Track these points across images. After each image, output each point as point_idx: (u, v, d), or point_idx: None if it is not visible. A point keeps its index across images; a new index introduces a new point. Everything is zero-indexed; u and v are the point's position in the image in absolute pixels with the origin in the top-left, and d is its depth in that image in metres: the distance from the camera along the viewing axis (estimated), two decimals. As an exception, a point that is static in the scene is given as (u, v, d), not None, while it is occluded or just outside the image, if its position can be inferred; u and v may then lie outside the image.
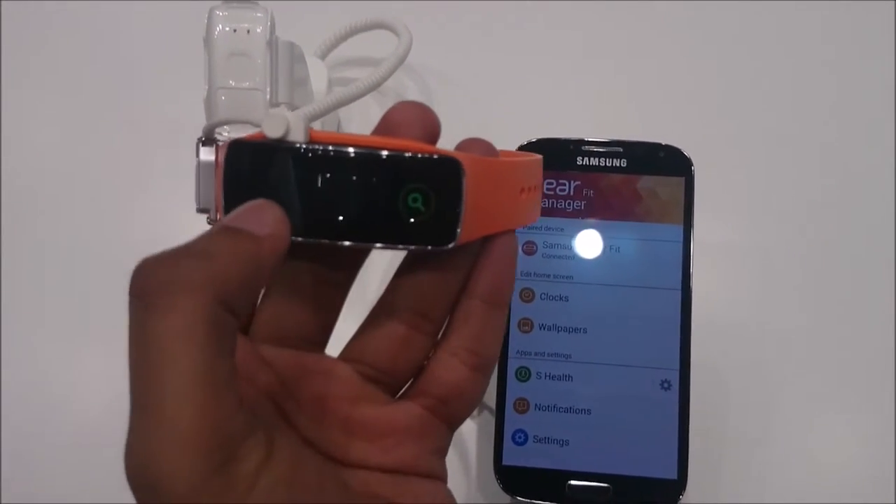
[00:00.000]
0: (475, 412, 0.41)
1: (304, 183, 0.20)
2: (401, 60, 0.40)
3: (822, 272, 0.44)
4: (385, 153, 0.20)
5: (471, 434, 0.41)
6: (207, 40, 0.34)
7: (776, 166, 0.47)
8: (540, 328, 0.36)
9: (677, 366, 0.35)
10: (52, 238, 0.46)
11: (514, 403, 0.36)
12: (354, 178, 0.20)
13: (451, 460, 0.40)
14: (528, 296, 0.37)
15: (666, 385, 0.35)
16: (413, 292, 0.23)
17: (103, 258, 0.45)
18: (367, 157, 0.20)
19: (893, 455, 0.40)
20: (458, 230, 0.21)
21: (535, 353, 0.36)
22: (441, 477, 0.24)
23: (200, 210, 0.22)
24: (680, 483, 0.34)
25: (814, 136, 0.47)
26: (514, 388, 0.36)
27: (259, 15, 0.35)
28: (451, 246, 0.21)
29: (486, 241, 0.23)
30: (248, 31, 0.35)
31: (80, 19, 0.51)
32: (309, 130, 0.21)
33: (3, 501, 0.40)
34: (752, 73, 0.49)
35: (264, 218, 0.20)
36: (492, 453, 0.35)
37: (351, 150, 0.20)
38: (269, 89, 0.35)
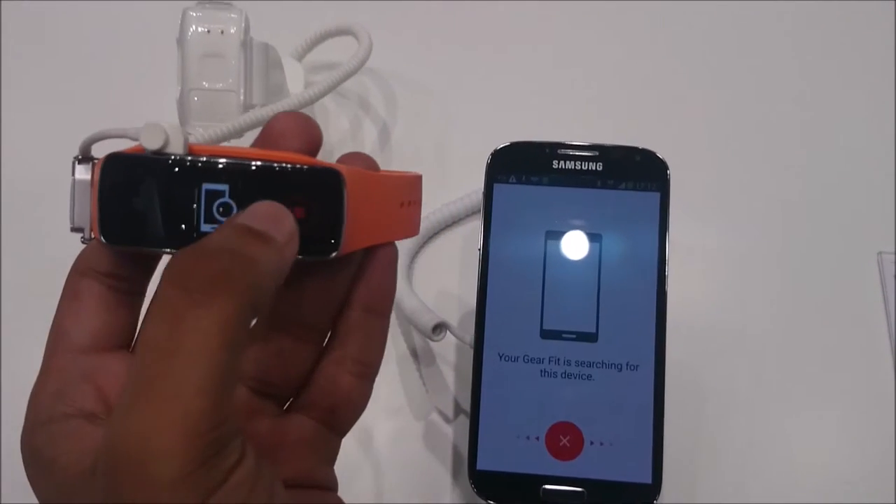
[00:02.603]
0: (451, 416, 0.41)
1: (180, 195, 0.20)
2: (358, 66, 0.40)
3: (798, 274, 0.44)
4: (265, 164, 0.20)
5: (446, 438, 0.40)
6: (181, 41, 0.34)
7: (751, 169, 0.47)
8: (514, 332, 0.36)
9: (652, 369, 0.35)
10: (44, 239, 0.46)
11: (489, 408, 0.36)
12: (234, 190, 0.20)
13: (426, 464, 0.40)
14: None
15: (641, 388, 0.35)
16: (298, 303, 0.23)
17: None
18: (246, 169, 0.20)
19: (871, 455, 0.40)
20: (341, 240, 0.21)
21: (510, 358, 0.36)
22: (334, 487, 0.24)
23: (74, 229, 0.22)
24: (654, 486, 0.34)
25: (788, 140, 0.47)
26: (489, 393, 0.36)
27: (233, 16, 0.35)
28: (333, 255, 0.21)
29: (368, 251, 0.23)
30: (222, 32, 0.34)
31: (51, 19, 0.51)
32: (188, 143, 0.20)
33: (3, 502, 0.40)
34: (727, 77, 0.49)
35: (286, 225, 0.20)
36: (466, 457, 0.35)
37: (229, 162, 0.20)
38: (242, 91, 0.35)
